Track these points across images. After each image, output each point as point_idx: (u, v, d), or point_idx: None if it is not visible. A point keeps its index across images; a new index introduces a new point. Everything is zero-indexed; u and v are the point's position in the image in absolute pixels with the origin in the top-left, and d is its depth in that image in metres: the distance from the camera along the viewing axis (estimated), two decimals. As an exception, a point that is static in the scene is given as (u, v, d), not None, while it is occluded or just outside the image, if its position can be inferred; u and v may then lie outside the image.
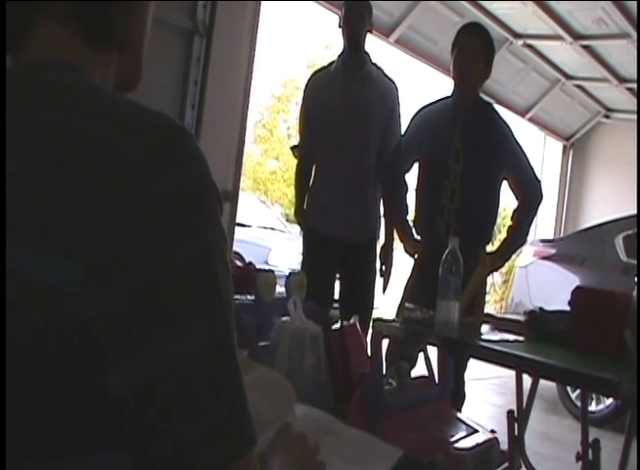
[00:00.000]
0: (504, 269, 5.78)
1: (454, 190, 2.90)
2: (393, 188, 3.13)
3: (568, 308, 1.96)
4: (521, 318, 2.13)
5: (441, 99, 3.08)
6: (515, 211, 3.06)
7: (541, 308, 2.08)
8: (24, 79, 0.63)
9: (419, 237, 3.05)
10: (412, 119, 3.09)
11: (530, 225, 3.11)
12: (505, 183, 3.03)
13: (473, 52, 2.90)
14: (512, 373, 2.19)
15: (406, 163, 3.08)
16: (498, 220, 3.43)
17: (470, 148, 2.90)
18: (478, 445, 1.89)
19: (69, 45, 0.65)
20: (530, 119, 7.64)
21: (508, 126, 3.00)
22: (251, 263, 2.24)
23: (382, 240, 3.25)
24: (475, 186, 2.90)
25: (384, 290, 3.23)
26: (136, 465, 0.58)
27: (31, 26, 0.64)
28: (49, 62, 0.63)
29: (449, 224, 2.90)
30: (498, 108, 3.26)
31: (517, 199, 3.04)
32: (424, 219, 3.02)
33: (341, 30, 3.17)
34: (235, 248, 4.98)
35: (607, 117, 8.19)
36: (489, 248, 3.18)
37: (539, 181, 3.09)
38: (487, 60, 2.95)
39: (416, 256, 3.01)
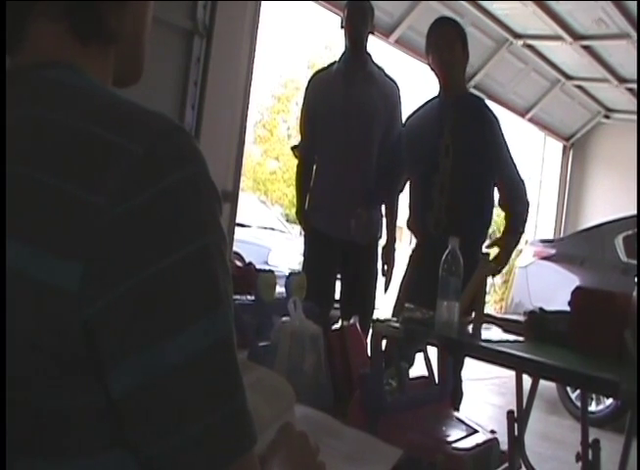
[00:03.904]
0: (504, 270, 5.77)
1: (444, 185, 2.89)
2: (392, 190, 3.14)
3: (568, 309, 1.96)
4: (521, 318, 2.13)
5: (428, 101, 3.08)
6: (505, 217, 3.03)
7: (541, 309, 2.08)
8: (22, 80, 0.63)
9: (412, 234, 3.06)
10: (403, 126, 3.10)
11: (520, 222, 3.02)
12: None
13: (448, 41, 2.93)
14: (512, 373, 2.19)
15: (404, 167, 3.09)
16: (497, 221, 3.41)
17: (459, 142, 2.88)
18: (477, 445, 1.90)
19: (63, 44, 0.64)
20: (530, 120, 7.63)
21: (496, 118, 2.99)
22: (251, 264, 2.24)
23: (384, 240, 3.25)
24: (464, 180, 2.88)
25: (385, 290, 3.23)
26: (137, 465, 0.58)
27: (25, 27, 0.64)
28: (46, 62, 0.63)
29: (439, 219, 2.88)
30: (498, 108, 3.26)
31: (499, 204, 3.02)
32: (415, 215, 3.01)
33: (343, 31, 3.17)
34: (235, 248, 4.98)
35: (607, 117, 8.18)
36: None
37: (523, 182, 3.01)
38: (463, 44, 2.97)
39: (410, 253, 3.02)
